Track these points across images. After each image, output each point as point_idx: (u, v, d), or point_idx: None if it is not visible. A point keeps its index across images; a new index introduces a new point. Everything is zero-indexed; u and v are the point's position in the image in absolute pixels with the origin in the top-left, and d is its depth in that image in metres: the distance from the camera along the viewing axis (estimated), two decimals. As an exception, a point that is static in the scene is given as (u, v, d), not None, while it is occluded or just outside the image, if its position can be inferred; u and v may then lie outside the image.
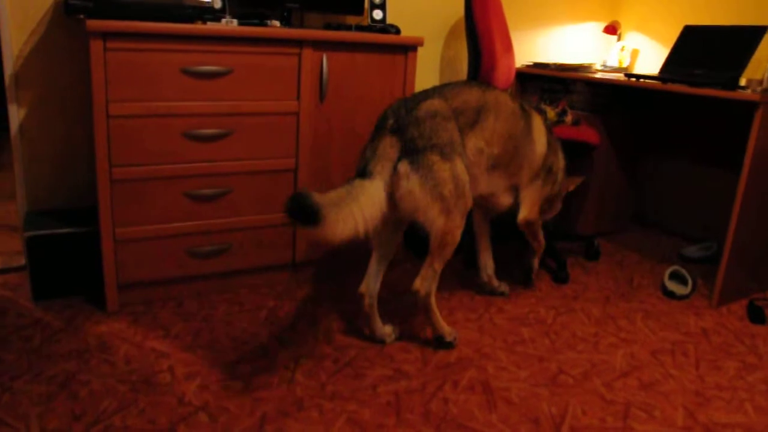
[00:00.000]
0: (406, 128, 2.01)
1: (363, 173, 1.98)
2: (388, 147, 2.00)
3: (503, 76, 2.93)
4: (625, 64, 3.76)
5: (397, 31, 2.73)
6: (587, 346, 2.28)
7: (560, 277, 2.86)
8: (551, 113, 2.98)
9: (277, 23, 2.53)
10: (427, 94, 2.13)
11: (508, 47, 3.01)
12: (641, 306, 2.66)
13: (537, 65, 3.49)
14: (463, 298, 2.61)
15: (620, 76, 3.20)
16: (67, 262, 2.38)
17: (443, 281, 2.75)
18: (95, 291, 2.43)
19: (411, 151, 1.99)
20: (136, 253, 2.30)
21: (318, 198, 1.79)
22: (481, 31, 2.80)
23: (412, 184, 1.97)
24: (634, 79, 2.99)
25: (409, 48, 2.64)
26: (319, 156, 2.54)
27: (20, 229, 2.50)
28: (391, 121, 2.03)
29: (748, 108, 2.49)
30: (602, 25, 3.87)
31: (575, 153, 3.04)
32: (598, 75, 3.30)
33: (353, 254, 2.76)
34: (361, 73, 2.55)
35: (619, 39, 3.81)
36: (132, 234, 2.27)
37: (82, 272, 2.41)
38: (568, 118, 3.03)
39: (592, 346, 2.29)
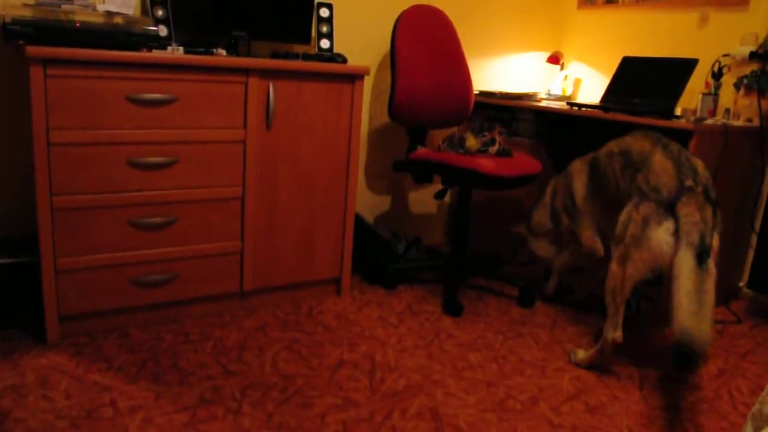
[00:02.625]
0: (709, 192, 2.11)
1: (702, 255, 1.98)
2: (709, 216, 2.06)
3: (430, 107, 3.00)
4: (568, 93, 3.87)
5: (344, 61, 2.76)
6: (535, 371, 2.31)
7: (524, 301, 2.89)
8: (473, 141, 2.92)
9: (223, 52, 2.53)
10: (668, 146, 2.25)
11: (443, 79, 3.07)
12: (588, 330, 2.71)
13: (483, 93, 3.57)
14: (412, 324, 2.62)
15: (563, 105, 3.29)
16: (5, 292, 2.30)
17: (391, 310, 2.76)
18: (35, 322, 2.35)
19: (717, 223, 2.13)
20: (78, 284, 2.25)
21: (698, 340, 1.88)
22: (400, 60, 2.88)
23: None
24: (576, 108, 3.08)
25: (356, 77, 2.66)
26: (266, 184, 2.53)
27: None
28: (691, 182, 2.10)
29: (683, 136, 2.60)
30: (546, 54, 3.99)
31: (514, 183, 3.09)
32: (543, 103, 3.39)
33: (297, 282, 2.75)
34: (308, 102, 2.57)
35: (562, 68, 3.92)
36: (74, 264, 2.22)
37: (20, 303, 2.33)
38: (493, 149, 2.88)
39: (540, 371, 2.32)
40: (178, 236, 2.38)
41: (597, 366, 2.37)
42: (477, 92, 3.67)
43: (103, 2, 2.51)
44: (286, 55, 2.74)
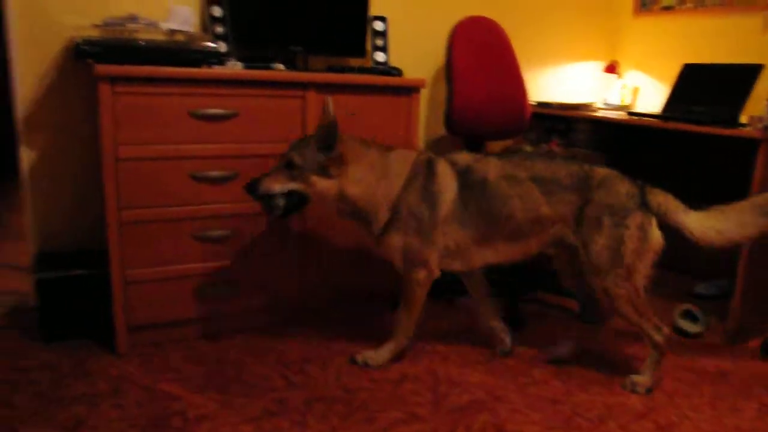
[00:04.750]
0: None
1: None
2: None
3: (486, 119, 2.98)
4: (626, 102, 3.79)
5: (400, 73, 2.76)
6: (601, 388, 2.25)
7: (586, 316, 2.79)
8: None
9: (281, 66, 2.56)
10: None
11: (499, 91, 3.04)
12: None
13: (539, 104, 3.53)
14: (473, 338, 2.58)
15: (622, 114, 3.22)
16: (77, 304, 2.36)
17: (451, 323, 2.73)
18: (105, 333, 2.38)
19: None
20: (146, 295, 2.29)
21: None
22: (456, 71, 2.86)
23: None
24: (635, 117, 3.02)
25: (412, 89, 2.66)
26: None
27: (30, 270, 2.49)
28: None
29: (750, 145, 2.50)
30: (602, 64, 3.93)
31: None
32: (600, 113, 3.33)
33: (365, 298, 2.75)
34: (365, 115, 2.57)
35: (618, 77, 3.85)
36: (141, 276, 2.26)
37: (92, 314, 2.38)
38: None
39: (606, 388, 2.25)
40: (239, 248, 2.41)
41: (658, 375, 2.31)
42: (533, 103, 3.63)
43: (166, 20, 2.57)
44: (342, 69, 2.76)
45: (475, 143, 3.06)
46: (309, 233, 2.53)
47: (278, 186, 2.14)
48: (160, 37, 2.50)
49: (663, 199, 2.20)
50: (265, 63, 2.56)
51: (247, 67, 2.48)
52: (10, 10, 2.49)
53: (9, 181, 3.62)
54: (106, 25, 2.46)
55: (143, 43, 2.35)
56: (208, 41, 2.51)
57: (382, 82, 2.57)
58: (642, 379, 2.25)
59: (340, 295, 2.68)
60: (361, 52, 2.94)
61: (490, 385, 2.23)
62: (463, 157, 2.30)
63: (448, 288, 2.93)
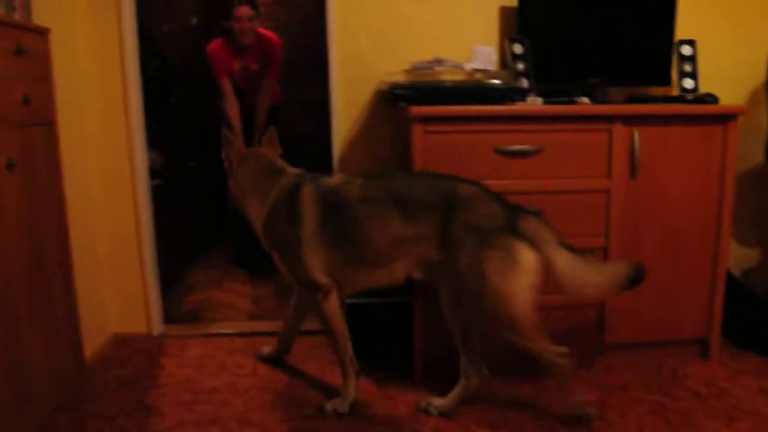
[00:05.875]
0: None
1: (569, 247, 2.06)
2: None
3: None
4: None
5: (715, 101, 2.54)
6: None
7: None
8: None
9: (586, 100, 2.50)
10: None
11: None
12: None
13: None
14: None
15: None
16: (380, 329, 2.53)
17: None
18: (404, 359, 2.51)
19: None
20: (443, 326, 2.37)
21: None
22: None
23: None
24: None
25: (728, 117, 2.43)
26: (629, 234, 2.42)
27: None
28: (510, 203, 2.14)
29: None
30: None
31: None
32: None
33: (657, 340, 2.55)
34: (674, 148, 2.41)
35: None
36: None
37: (391, 339, 2.54)
38: None
39: None
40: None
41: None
42: None
43: (469, 61, 2.68)
44: (646, 99, 2.61)
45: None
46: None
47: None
48: (464, 77, 2.61)
49: (535, 228, 2.00)
50: (562, 97, 2.53)
51: (547, 102, 2.47)
52: (333, 59, 2.80)
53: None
54: (414, 69, 2.64)
55: (449, 85, 2.47)
56: (510, 78, 2.56)
57: (696, 111, 2.38)
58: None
59: (640, 338, 2.52)
60: (665, 79, 2.77)
61: None
62: (332, 180, 2.26)
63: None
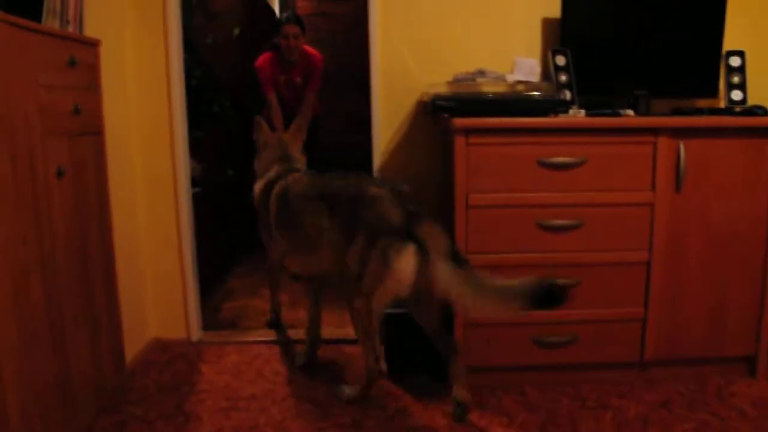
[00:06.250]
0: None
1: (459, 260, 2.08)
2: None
3: None
4: None
5: (765, 113, 2.48)
6: None
7: None
8: None
9: (631, 112, 2.48)
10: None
11: None
12: None
13: None
14: None
15: None
16: (419, 340, 2.52)
17: None
18: (441, 370, 2.50)
19: None
20: (483, 337, 2.37)
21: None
22: None
23: None
24: None
25: (778, 130, 2.37)
26: (674, 249, 2.37)
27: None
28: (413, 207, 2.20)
29: None
30: None
31: None
32: None
33: (702, 357, 2.49)
34: (721, 161, 2.35)
35: None
36: (482, 319, 2.33)
37: (431, 351, 2.52)
38: None
39: None
40: (580, 299, 2.35)
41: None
42: None
43: (511, 72, 2.66)
44: (692, 111, 2.57)
45: None
46: (657, 286, 2.38)
47: None
48: (506, 89, 2.60)
49: (428, 234, 2.05)
50: (604, 109, 2.50)
51: (590, 114, 2.45)
52: (374, 71, 2.81)
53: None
54: (456, 80, 2.63)
55: (491, 96, 2.46)
56: (553, 90, 2.53)
57: (745, 123, 2.33)
58: (349, 392, 2.35)
59: (684, 354, 2.46)
60: (712, 91, 2.72)
61: None
62: (293, 177, 2.61)
63: None
